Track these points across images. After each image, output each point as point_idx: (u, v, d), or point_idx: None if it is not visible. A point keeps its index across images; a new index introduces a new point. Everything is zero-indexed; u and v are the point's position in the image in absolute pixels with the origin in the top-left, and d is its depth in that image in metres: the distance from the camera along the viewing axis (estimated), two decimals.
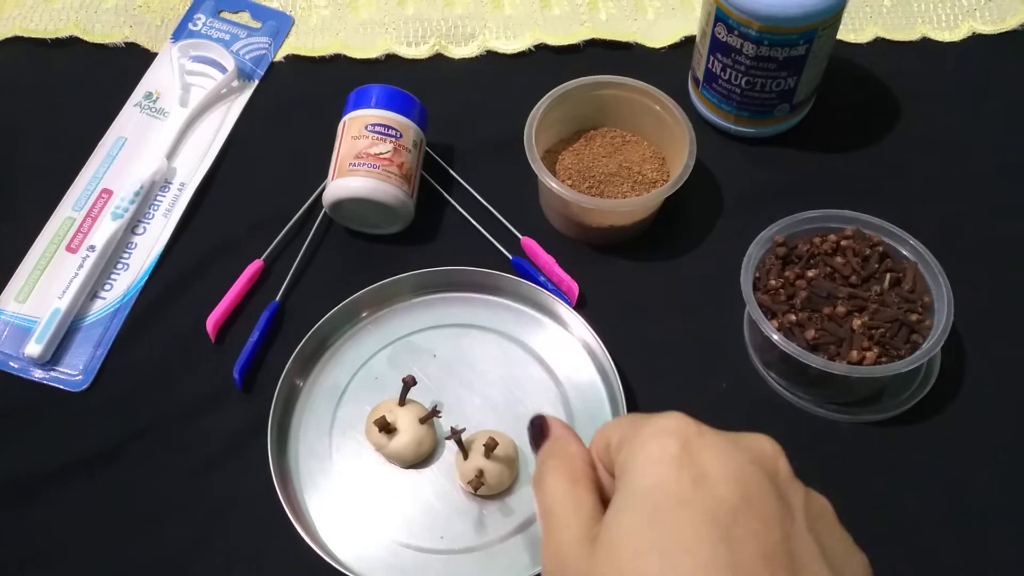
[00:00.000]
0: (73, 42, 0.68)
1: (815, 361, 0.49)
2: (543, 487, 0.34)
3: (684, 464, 0.30)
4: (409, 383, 0.50)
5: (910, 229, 0.53)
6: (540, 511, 0.34)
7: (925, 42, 0.69)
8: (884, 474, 0.51)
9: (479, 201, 0.61)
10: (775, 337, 0.49)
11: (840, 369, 0.49)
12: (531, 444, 0.38)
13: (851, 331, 0.50)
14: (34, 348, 0.54)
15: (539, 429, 0.37)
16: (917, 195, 0.62)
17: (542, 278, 0.57)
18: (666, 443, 0.31)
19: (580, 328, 0.54)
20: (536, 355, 0.55)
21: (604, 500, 0.33)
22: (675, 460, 0.30)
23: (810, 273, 0.52)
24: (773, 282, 0.52)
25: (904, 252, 0.53)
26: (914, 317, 0.50)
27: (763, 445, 0.32)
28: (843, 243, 0.53)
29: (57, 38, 0.68)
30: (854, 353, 0.49)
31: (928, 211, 0.60)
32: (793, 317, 0.51)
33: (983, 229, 0.60)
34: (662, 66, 0.67)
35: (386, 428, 0.50)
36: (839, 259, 0.53)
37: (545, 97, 0.59)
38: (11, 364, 0.55)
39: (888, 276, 0.52)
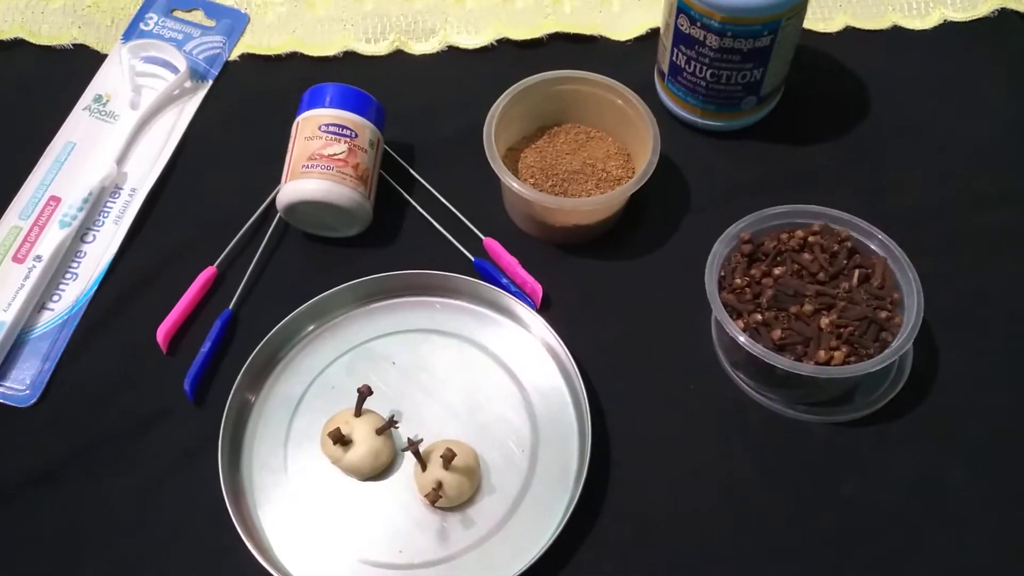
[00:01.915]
0: (18, 44, 0.66)
1: (781, 362, 0.47)
2: None
3: None
4: (364, 393, 0.49)
5: (881, 222, 0.52)
6: None
7: (896, 30, 0.67)
8: (856, 474, 0.50)
9: (440, 201, 0.59)
10: (741, 338, 0.48)
11: (807, 370, 0.47)
12: None
13: (819, 330, 0.49)
14: None
15: None
16: (888, 187, 0.60)
17: (505, 280, 0.56)
18: None
19: (542, 330, 0.53)
20: (498, 359, 0.53)
21: None
22: None
23: (777, 271, 0.51)
24: (739, 281, 0.51)
25: (873, 247, 0.52)
26: (883, 314, 0.49)
27: None
28: (810, 239, 0.52)
29: (1, 40, 0.65)
30: (821, 353, 0.48)
31: (899, 204, 0.59)
32: (759, 317, 0.50)
33: (954, 221, 0.59)
34: (628, 59, 0.66)
35: (341, 440, 0.48)
36: (806, 256, 0.51)
37: (505, 93, 0.57)
38: None
39: (857, 272, 0.51)
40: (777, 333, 0.49)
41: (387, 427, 0.49)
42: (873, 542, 0.48)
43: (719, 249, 0.51)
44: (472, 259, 0.57)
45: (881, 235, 0.51)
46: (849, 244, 0.52)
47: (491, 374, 0.53)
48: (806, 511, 0.49)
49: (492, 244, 0.57)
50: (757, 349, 0.47)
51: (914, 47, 0.67)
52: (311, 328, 0.54)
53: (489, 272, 0.56)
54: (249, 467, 0.50)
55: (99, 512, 0.50)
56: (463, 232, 0.58)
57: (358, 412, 0.49)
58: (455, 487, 0.47)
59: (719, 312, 0.49)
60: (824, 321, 0.49)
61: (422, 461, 0.47)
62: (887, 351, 0.48)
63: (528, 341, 0.54)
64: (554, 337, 0.52)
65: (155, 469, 0.51)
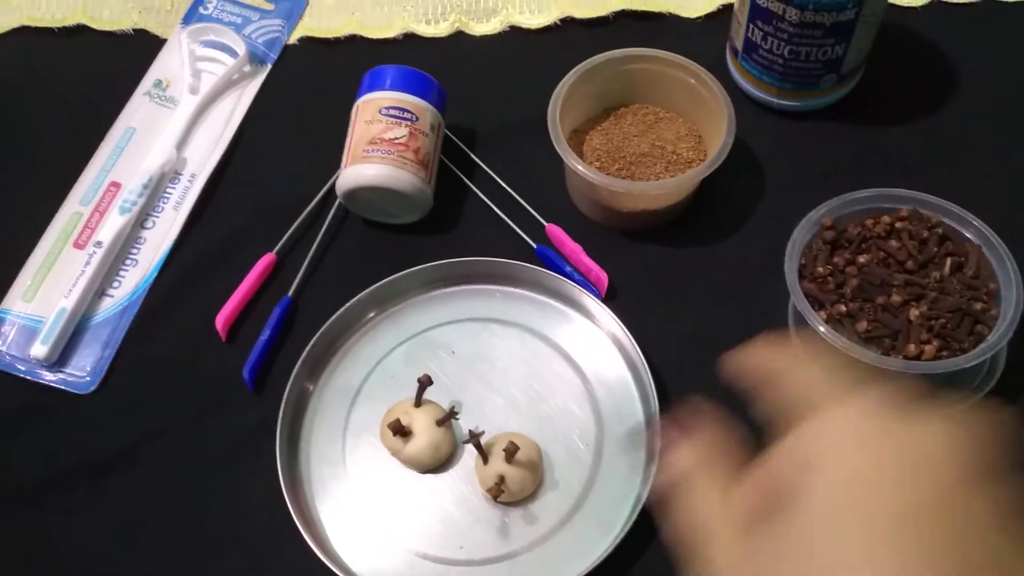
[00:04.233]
0: (81, 30, 0.66)
1: (868, 356, 0.44)
2: (689, 503, 0.30)
3: (884, 452, 0.25)
4: (424, 383, 0.47)
5: (972, 209, 0.48)
6: (688, 525, 0.29)
7: (988, 3, 0.63)
8: None
9: (502, 187, 0.57)
10: (822, 329, 0.45)
11: (896, 365, 0.44)
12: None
13: (908, 322, 0.45)
14: (40, 349, 0.52)
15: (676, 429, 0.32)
16: (980, 172, 0.56)
17: (568, 268, 0.53)
18: (865, 425, 0.26)
19: (609, 321, 0.51)
20: (561, 351, 0.51)
21: None
22: (874, 447, 0.26)
23: (861, 259, 0.48)
24: (820, 269, 0.48)
25: (967, 234, 0.48)
26: (978, 306, 0.46)
27: (979, 429, 0.26)
28: (898, 225, 0.48)
29: (64, 27, 0.65)
30: (911, 347, 0.45)
31: (992, 190, 0.55)
32: (843, 308, 0.46)
33: None
34: (698, 37, 0.63)
35: (401, 431, 0.46)
36: (893, 243, 0.48)
37: (570, 74, 0.55)
38: (18, 366, 0.53)
39: (949, 261, 0.47)
40: (863, 325, 0.46)
41: (447, 418, 0.47)
42: None
43: (799, 236, 0.48)
44: (534, 246, 0.55)
45: (976, 221, 0.48)
46: (940, 231, 0.48)
47: (554, 365, 0.51)
48: None
49: (555, 231, 0.55)
50: (841, 342, 0.45)
51: (1007, 21, 0.62)
52: (371, 316, 0.53)
53: (552, 260, 0.54)
54: (307, 457, 0.49)
55: (157, 499, 0.49)
56: (525, 218, 0.56)
57: (418, 402, 0.48)
58: (518, 482, 0.45)
59: (799, 302, 0.46)
60: (914, 313, 0.45)
61: (484, 454, 0.46)
62: (983, 345, 0.44)
63: (592, 332, 0.52)
64: (620, 328, 0.50)
65: (213, 458, 0.50)
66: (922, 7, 0.63)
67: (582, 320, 0.52)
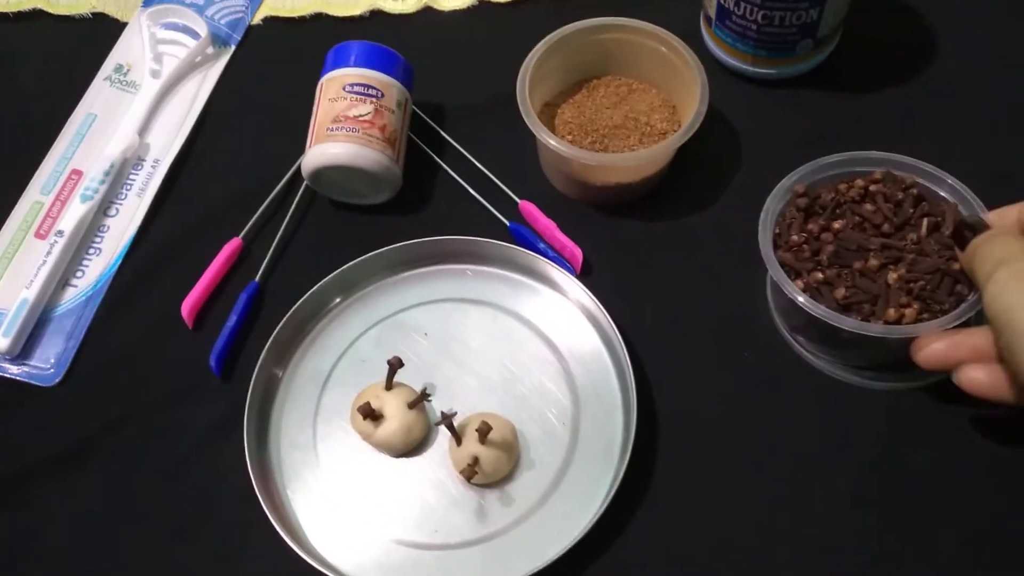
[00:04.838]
0: (37, 15, 0.64)
1: (847, 323, 0.43)
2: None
3: None
4: (395, 365, 0.46)
5: (954, 175, 0.47)
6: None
7: None
8: (926, 446, 0.46)
9: (473, 163, 0.56)
10: (800, 299, 0.44)
11: (876, 330, 0.43)
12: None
13: (886, 286, 0.44)
14: (1, 342, 0.51)
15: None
16: (958, 138, 0.55)
17: (542, 245, 0.52)
18: None
19: (583, 297, 0.49)
20: (536, 329, 0.50)
21: None
22: None
23: (836, 225, 0.46)
24: (795, 237, 0.47)
25: (942, 193, 0.47)
26: (957, 266, 0.44)
27: None
28: (872, 188, 0.47)
29: (20, 11, 0.64)
30: (891, 311, 0.44)
31: (971, 155, 0.54)
32: (820, 275, 0.45)
33: None
34: (671, 5, 0.61)
35: (371, 415, 0.45)
36: (868, 206, 0.47)
37: (539, 45, 0.53)
38: None
39: (925, 221, 0.46)
40: (841, 292, 0.44)
41: (419, 400, 0.46)
42: (945, 522, 0.44)
43: (772, 204, 0.47)
44: (507, 224, 0.53)
45: (950, 179, 0.47)
46: (915, 191, 0.47)
47: (528, 344, 0.49)
48: (872, 485, 0.45)
49: (528, 207, 0.54)
50: (820, 310, 0.43)
51: None
52: (339, 300, 0.51)
53: (525, 237, 0.53)
54: (277, 444, 0.48)
55: (124, 490, 0.48)
56: (497, 196, 0.55)
57: (389, 385, 0.46)
58: (492, 462, 0.44)
59: (775, 272, 0.45)
60: (892, 276, 0.44)
61: (457, 436, 0.45)
62: (963, 305, 0.43)
63: (568, 309, 0.50)
64: (595, 304, 0.49)
65: (181, 447, 0.49)
66: None
67: (557, 297, 0.51)
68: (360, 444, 0.47)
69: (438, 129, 0.58)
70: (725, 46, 0.57)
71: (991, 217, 0.45)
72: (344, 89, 0.53)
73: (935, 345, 0.42)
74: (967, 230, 0.43)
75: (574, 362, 0.49)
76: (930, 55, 0.59)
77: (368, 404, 0.45)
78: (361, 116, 0.52)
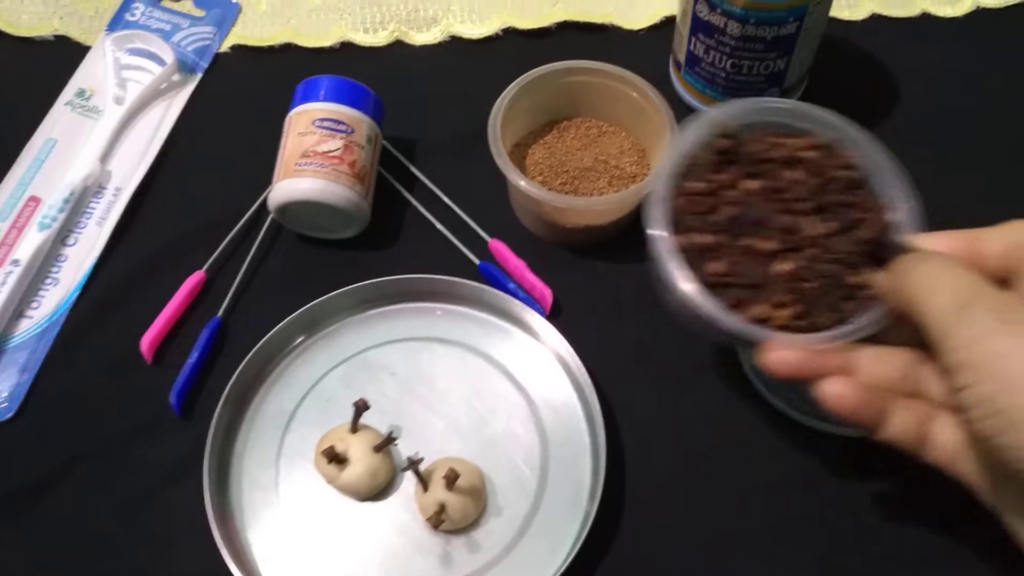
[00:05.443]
0: None
1: (701, 304, 0.36)
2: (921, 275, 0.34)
3: None
4: (361, 407, 0.45)
5: None
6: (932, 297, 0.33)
7: (925, 18, 0.64)
8: (888, 487, 0.46)
9: (443, 200, 0.56)
10: (666, 254, 0.36)
11: (730, 324, 0.36)
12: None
13: (768, 276, 0.37)
14: None
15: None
16: (917, 183, 0.56)
17: (512, 285, 0.52)
18: None
19: (553, 339, 0.49)
20: (505, 370, 0.50)
21: None
22: None
23: (751, 184, 0.38)
24: (698, 184, 0.38)
25: (886, 190, 0.40)
26: (857, 279, 0.37)
27: None
28: (804, 154, 0.39)
29: None
30: (759, 308, 0.36)
31: (928, 200, 0.55)
32: (705, 239, 0.37)
33: (988, 217, 0.55)
34: (641, 49, 0.62)
35: (336, 459, 0.44)
36: (790, 174, 0.38)
37: (512, 86, 0.53)
38: None
39: (846, 213, 0.39)
40: (717, 266, 0.37)
41: (386, 444, 0.45)
42: (911, 565, 0.45)
43: (690, 135, 0.39)
44: (477, 263, 0.53)
45: (901, 182, 0.40)
46: (855, 175, 0.39)
47: (497, 386, 0.49)
48: (838, 523, 0.46)
49: (498, 246, 0.53)
50: (681, 281, 0.36)
51: (945, 35, 0.63)
52: (304, 337, 0.51)
53: (495, 276, 0.52)
54: (238, 485, 0.47)
55: (79, 531, 0.46)
56: (467, 234, 0.54)
57: (354, 427, 0.46)
58: (459, 509, 0.44)
59: (655, 219, 0.37)
60: (782, 267, 0.37)
61: (423, 481, 0.44)
62: (844, 328, 0.36)
63: (537, 350, 0.50)
64: (565, 346, 0.49)
65: (138, 486, 0.47)
66: (863, 20, 0.64)
67: (526, 338, 0.51)
68: (324, 486, 0.46)
69: (408, 164, 0.57)
70: (695, 91, 0.58)
71: (941, 241, 0.38)
72: (314, 124, 0.52)
73: (793, 351, 0.36)
74: (893, 246, 0.37)
75: (543, 405, 0.48)
76: (892, 104, 0.60)
77: (333, 447, 0.44)
78: (330, 152, 0.52)
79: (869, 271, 0.38)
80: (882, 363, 0.38)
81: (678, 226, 0.38)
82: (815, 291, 0.37)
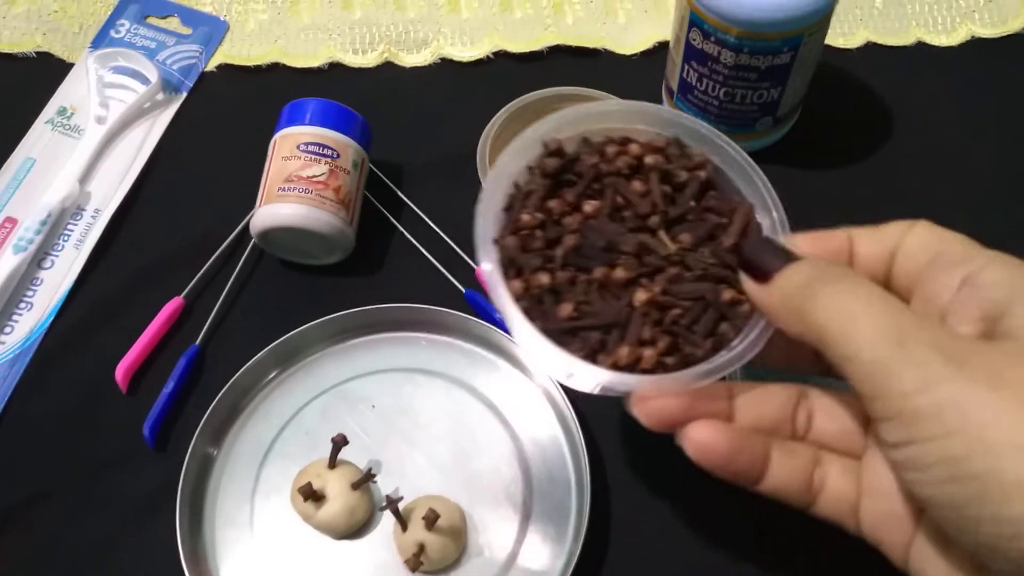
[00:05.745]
0: None
1: (560, 363, 0.31)
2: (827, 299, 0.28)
3: None
4: (339, 443, 0.44)
5: None
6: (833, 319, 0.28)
7: (920, 47, 0.63)
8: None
9: (430, 226, 0.55)
10: (510, 311, 0.31)
11: (593, 378, 0.30)
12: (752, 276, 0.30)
13: (630, 310, 0.32)
14: None
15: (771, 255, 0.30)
16: (913, 212, 0.55)
17: (499, 315, 0.51)
18: None
19: (540, 372, 0.48)
20: (490, 403, 0.48)
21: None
22: None
23: (588, 206, 0.33)
24: (527, 217, 0.33)
25: (741, 185, 0.35)
26: (728, 295, 0.32)
27: None
28: (649, 160, 0.34)
29: None
30: (624, 350, 0.31)
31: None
32: (546, 278, 0.32)
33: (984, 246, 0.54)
34: (634, 75, 0.61)
35: (313, 496, 0.43)
36: (637, 184, 0.34)
37: (501, 111, 0.53)
38: None
39: (704, 220, 0.34)
40: (567, 309, 0.31)
41: (364, 481, 0.44)
42: None
43: (508, 161, 0.34)
44: (463, 291, 0.52)
45: (759, 177, 0.34)
46: (704, 174, 0.34)
47: (481, 420, 0.48)
48: (830, 567, 0.44)
49: None
50: (525, 335, 0.30)
51: (940, 64, 0.62)
52: (283, 367, 0.49)
53: (482, 305, 0.51)
54: (212, 522, 0.45)
55: (48, 566, 0.45)
56: (455, 261, 0.53)
57: (332, 463, 0.44)
58: (439, 550, 0.42)
59: (486, 265, 0.32)
60: (640, 297, 0.31)
61: (402, 521, 0.43)
62: (727, 356, 0.31)
63: (523, 383, 0.49)
64: (551, 380, 0.47)
65: (109, 522, 0.46)
66: (858, 48, 0.63)
67: (512, 371, 0.49)
68: (300, 523, 0.45)
69: (395, 189, 0.56)
70: None
71: (804, 242, 0.33)
72: (298, 148, 0.51)
73: (670, 400, 0.30)
74: (768, 255, 0.31)
75: (527, 440, 0.47)
76: (887, 132, 0.59)
77: (309, 484, 0.43)
78: (315, 177, 0.50)
79: (742, 283, 0.32)
80: (760, 400, 0.32)
81: (513, 269, 0.33)
82: (681, 318, 0.32)
